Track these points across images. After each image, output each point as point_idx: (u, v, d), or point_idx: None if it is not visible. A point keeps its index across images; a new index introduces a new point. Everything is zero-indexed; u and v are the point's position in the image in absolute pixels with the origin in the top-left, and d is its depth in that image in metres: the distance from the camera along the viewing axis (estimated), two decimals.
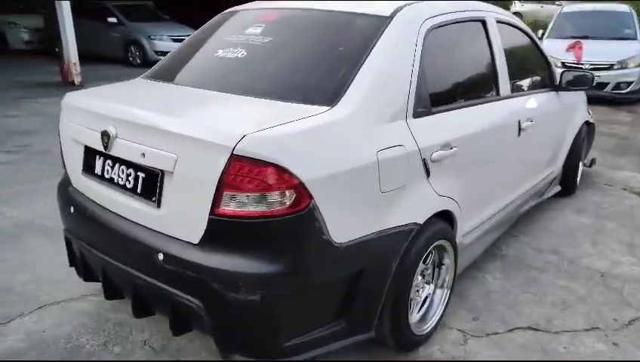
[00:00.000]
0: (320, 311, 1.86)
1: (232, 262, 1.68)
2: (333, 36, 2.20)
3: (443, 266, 2.43)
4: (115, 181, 1.96)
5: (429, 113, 2.19)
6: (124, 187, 1.93)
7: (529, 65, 3.45)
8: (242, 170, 1.60)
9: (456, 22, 2.50)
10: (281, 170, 1.60)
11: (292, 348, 1.81)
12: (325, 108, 1.85)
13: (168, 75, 2.41)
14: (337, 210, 1.76)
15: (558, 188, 3.98)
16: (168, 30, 12.18)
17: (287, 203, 1.63)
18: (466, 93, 2.58)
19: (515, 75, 3.05)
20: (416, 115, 2.12)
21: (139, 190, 1.87)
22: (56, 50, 9.64)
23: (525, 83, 3.31)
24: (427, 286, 2.40)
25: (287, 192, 1.62)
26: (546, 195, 3.81)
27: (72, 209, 2.19)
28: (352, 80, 1.94)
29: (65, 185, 2.31)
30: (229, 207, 1.63)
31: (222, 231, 1.67)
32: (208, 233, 1.69)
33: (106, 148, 1.92)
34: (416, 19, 2.23)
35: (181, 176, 1.72)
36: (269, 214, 1.62)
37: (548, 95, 3.45)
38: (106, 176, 2.00)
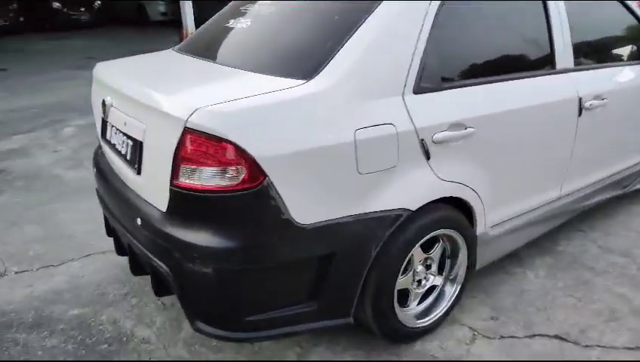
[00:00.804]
0: (288, 290, 1.83)
1: (191, 234, 1.70)
2: (330, 8, 2.06)
3: (457, 259, 2.23)
4: (115, 147, 2.09)
5: (437, 89, 1.98)
6: (119, 153, 2.05)
7: (615, 32, 2.93)
8: (194, 144, 1.60)
9: None
10: (231, 145, 1.57)
11: (256, 323, 1.81)
12: (300, 82, 1.75)
13: (188, 47, 2.47)
14: (300, 190, 1.69)
15: None
16: None
17: (239, 179, 1.60)
18: (497, 67, 2.26)
19: (587, 44, 2.63)
20: (419, 90, 1.92)
21: (128, 156, 1.98)
22: None
23: (605, 54, 2.83)
24: (433, 278, 2.22)
25: (238, 168, 1.59)
26: (632, 187, 3.26)
27: (96, 170, 2.40)
28: (337, 53, 1.81)
29: (98, 148, 2.53)
30: (185, 180, 1.65)
31: (182, 203, 1.71)
32: (172, 203, 1.73)
33: (105, 116, 2.04)
34: None
35: (149, 145, 1.78)
36: (221, 189, 1.61)
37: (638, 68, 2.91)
38: (111, 141, 2.15)
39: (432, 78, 1.97)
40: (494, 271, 2.65)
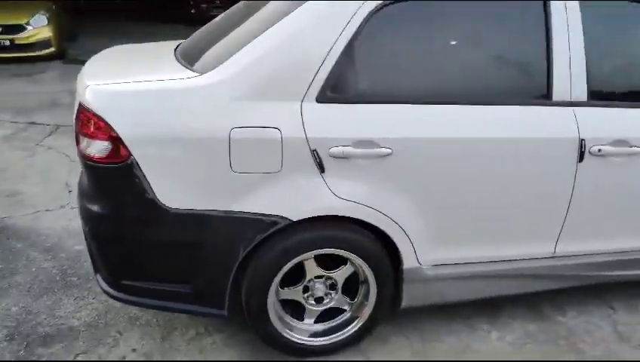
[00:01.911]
0: (159, 266, 1.94)
1: (86, 196, 1.96)
2: (265, 12, 2.05)
3: (364, 286, 2.06)
4: None
5: (347, 101, 1.85)
6: None
7: None
8: (82, 116, 1.83)
9: None
10: (102, 122, 1.76)
11: (132, 288, 1.98)
12: (194, 74, 1.84)
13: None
14: (168, 174, 1.79)
15: None
16: None
17: (107, 153, 1.78)
18: (447, 88, 1.97)
19: (619, 74, 2.11)
20: (323, 100, 1.83)
21: None
22: None
23: None
24: (337, 299, 2.09)
25: (106, 143, 1.77)
26: None
27: None
28: (237, 51, 1.84)
29: None
30: (80, 147, 1.90)
31: (83, 168, 1.96)
32: (82, 168, 2.00)
33: None
34: None
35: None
36: (96, 160, 1.81)
37: None
38: None
39: (344, 88, 1.85)
40: (455, 318, 2.34)
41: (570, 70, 2.00)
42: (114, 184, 1.83)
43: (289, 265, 1.93)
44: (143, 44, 2.75)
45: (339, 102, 1.85)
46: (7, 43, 8.11)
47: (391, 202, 1.94)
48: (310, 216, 1.87)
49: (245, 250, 1.87)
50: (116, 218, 1.87)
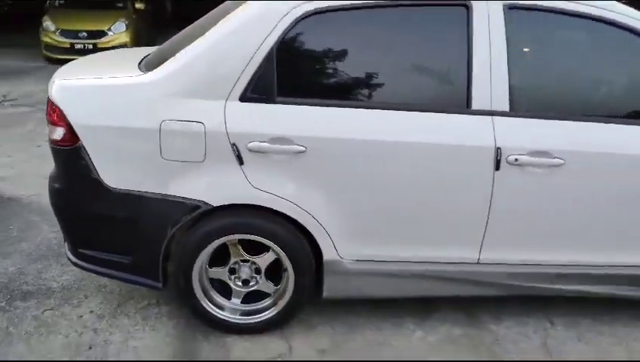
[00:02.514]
0: (105, 238, 2.23)
1: (52, 174, 2.30)
2: (216, 17, 2.28)
3: (286, 273, 2.23)
4: None
5: (267, 101, 2.05)
6: None
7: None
8: (49, 107, 2.17)
9: (370, 6, 2.05)
10: (59, 110, 2.09)
11: (86, 256, 2.30)
12: (141, 73, 2.13)
13: None
14: (109, 158, 2.09)
15: None
16: None
17: (62, 137, 2.11)
18: (363, 92, 2.14)
19: (548, 86, 2.15)
20: (245, 99, 2.04)
21: None
22: None
23: (588, 103, 2.19)
24: (261, 283, 2.28)
25: (61, 129, 2.10)
26: None
27: None
28: (178, 52, 2.10)
29: None
30: (48, 132, 2.24)
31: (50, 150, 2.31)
32: None
33: None
34: (286, 1, 2.04)
35: None
36: (56, 142, 2.14)
37: None
38: None
39: (265, 89, 2.05)
40: (386, 315, 2.44)
41: (490, 79, 2.06)
42: (68, 164, 2.16)
43: (210, 246, 2.16)
44: (131, 48, 3.11)
45: (259, 102, 2.06)
46: (91, 47, 9.22)
47: (307, 197, 2.11)
48: (228, 203, 2.09)
49: (172, 229, 2.12)
50: (70, 193, 2.20)
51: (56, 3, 10.38)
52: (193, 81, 2.06)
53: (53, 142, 2.16)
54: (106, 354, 2.19)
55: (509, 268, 2.27)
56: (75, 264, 2.35)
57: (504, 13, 2.07)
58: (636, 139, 2.13)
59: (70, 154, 2.12)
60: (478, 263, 2.26)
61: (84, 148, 2.08)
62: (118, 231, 2.21)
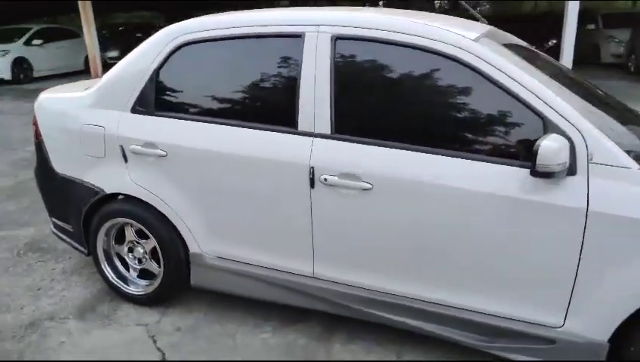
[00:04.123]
0: (61, 210, 2.98)
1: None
2: None
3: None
4: None
5: (148, 113, 2.54)
6: None
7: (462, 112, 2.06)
8: (35, 115, 3.02)
9: (233, 37, 2.37)
10: (35, 116, 2.92)
11: (54, 223, 3.08)
12: (84, 91, 2.83)
13: None
14: (56, 150, 2.84)
15: None
16: None
17: (34, 134, 2.93)
18: (218, 112, 2.42)
19: (379, 114, 2.19)
20: (134, 111, 2.58)
21: None
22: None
23: (428, 134, 2.09)
24: (149, 263, 2.74)
25: (34, 128, 2.92)
26: (501, 352, 2.07)
27: None
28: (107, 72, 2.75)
29: None
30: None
31: None
32: None
33: None
34: (170, 34, 2.51)
35: None
36: (35, 138, 2.98)
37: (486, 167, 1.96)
38: None
39: (147, 104, 2.56)
40: (251, 309, 2.66)
41: (314, 103, 2.21)
42: (37, 154, 2.98)
43: (106, 224, 2.74)
44: None
45: (143, 114, 2.57)
46: None
47: (171, 195, 2.53)
48: (116, 192, 2.64)
49: (85, 208, 2.75)
50: (40, 175, 3.02)
51: None
52: (105, 95, 2.68)
53: (35, 137, 3.01)
54: (47, 295, 2.92)
55: (338, 287, 2.32)
56: (51, 229, 3.17)
57: (331, 43, 2.20)
58: (448, 170, 2.01)
59: (37, 147, 2.94)
60: (313, 277, 2.36)
61: (44, 143, 2.87)
62: (64, 206, 2.94)
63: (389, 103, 2.19)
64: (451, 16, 2.75)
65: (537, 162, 1.75)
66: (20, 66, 12.43)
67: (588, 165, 1.84)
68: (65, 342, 2.51)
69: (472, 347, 2.15)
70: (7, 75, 12.11)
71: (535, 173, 1.78)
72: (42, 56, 13.05)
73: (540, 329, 2.01)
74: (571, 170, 1.85)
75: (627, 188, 1.81)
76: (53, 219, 3.09)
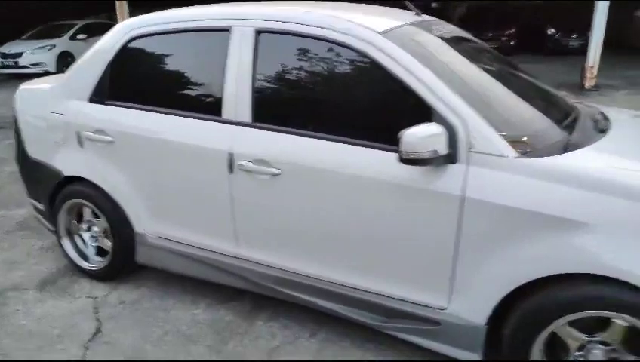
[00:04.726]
0: (35, 192, 3.26)
1: None
2: None
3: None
4: None
5: (101, 103, 2.77)
6: None
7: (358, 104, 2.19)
8: None
9: (173, 31, 2.57)
10: (13, 104, 3.22)
11: (32, 204, 3.37)
12: (56, 82, 3.09)
13: None
14: (30, 136, 3.12)
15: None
16: None
17: (13, 121, 3.23)
18: (160, 101, 2.60)
19: (289, 103, 2.33)
20: (91, 100, 2.81)
21: None
22: None
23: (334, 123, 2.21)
24: (105, 241, 2.97)
25: (14, 115, 3.22)
26: (396, 331, 2.15)
27: None
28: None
29: None
30: None
31: None
32: None
33: None
34: (122, 28, 2.73)
35: None
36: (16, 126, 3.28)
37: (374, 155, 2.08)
38: None
39: (101, 94, 2.79)
40: (196, 296, 2.83)
41: (236, 93, 2.36)
42: (15, 138, 3.27)
43: (67, 203, 2.99)
44: None
45: (97, 103, 2.80)
46: None
47: (117, 179, 2.76)
48: (73, 175, 2.88)
49: (51, 188, 3.01)
50: (18, 158, 3.31)
51: None
52: (69, 85, 2.93)
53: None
54: (19, 268, 3.20)
55: (258, 267, 2.46)
56: (32, 210, 3.46)
57: (254, 36, 2.35)
58: (346, 158, 2.11)
59: (15, 133, 3.23)
60: (237, 258, 2.52)
61: (20, 128, 3.16)
62: (36, 187, 3.22)
63: (298, 94, 2.32)
64: (384, 7, 2.83)
65: (400, 149, 1.84)
66: (65, 59, 13.12)
67: (468, 154, 1.92)
68: (19, 310, 2.77)
69: (371, 326, 2.25)
70: (52, 68, 12.83)
71: (401, 160, 1.87)
72: (85, 50, 13.71)
73: (427, 310, 2.09)
74: (452, 158, 1.93)
75: (503, 176, 1.87)
76: (31, 200, 3.38)
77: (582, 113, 2.47)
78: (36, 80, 3.43)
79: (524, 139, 1.95)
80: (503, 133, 1.93)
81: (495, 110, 2.06)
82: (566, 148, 1.98)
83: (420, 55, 2.11)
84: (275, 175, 2.26)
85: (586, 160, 1.88)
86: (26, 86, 3.29)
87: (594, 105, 2.75)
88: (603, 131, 2.25)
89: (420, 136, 1.81)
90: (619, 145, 2.13)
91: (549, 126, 2.14)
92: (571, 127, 2.22)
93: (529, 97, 2.41)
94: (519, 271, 1.86)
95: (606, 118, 2.45)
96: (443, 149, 1.87)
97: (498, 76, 2.44)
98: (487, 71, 2.40)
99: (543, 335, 1.87)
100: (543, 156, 1.88)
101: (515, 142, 1.92)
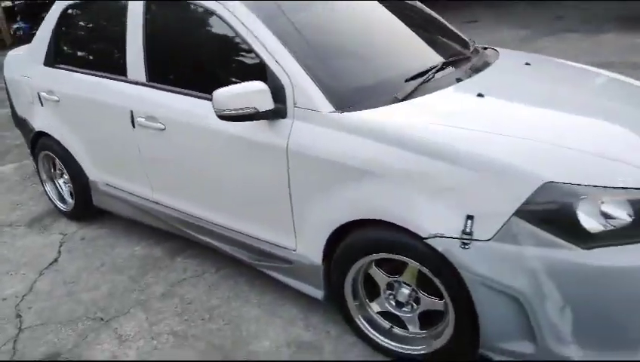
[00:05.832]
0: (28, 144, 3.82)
1: None
2: None
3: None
4: None
5: (52, 66, 3.18)
6: None
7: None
8: None
9: (92, 1, 2.84)
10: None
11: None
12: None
13: None
14: (14, 96, 3.65)
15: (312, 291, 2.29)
16: None
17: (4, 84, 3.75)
18: (88, 63, 2.96)
19: (170, 63, 2.56)
20: (46, 64, 3.24)
21: None
22: None
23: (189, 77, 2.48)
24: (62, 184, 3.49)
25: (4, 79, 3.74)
26: (264, 268, 2.40)
27: None
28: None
29: None
30: None
31: None
32: None
33: None
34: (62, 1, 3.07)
35: None
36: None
37: None
38: None
39: (51, 58, 3.19)
40: (144, 236, 3.25)
41: (135, 55, 2.64)
42: (8, 99, 3.80)
43: (41, 155, 3.52)
44: None
45: (49, 66, 3.22)
46: None
47: (67, 133, 3.20)
48: (39, 130, 3.36)
49: (30, 140, 3.54)
50: (12, 115, 3.87)
51: None
52: (33, 51, 3.37)
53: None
54: (20, 208, 3.82)
55: (167, 210, 2.79)
56: None
57: (144, 4, 2.56)
58: (207, 112, 2.23)
59: (7, 94, 3.76)
60: (155, 202, 2.86)
61: (9, 92, 3.69)
62: (27, 140, 3.77)
63: (177, 55, 2.55)
64: None
65: (213, 106, 2.01)
66: None
67: (294, 109, 2.04)
68: (6, 242, 3.38)
69: (251, 265, 2.51)
70: None
71: (218, 117, 2.04)
72: None
73: (283, 251, 2.31)
74: (283, 114, 2.06)
75: (317, 130, 1.98)
76: (28, 151, 3.96)
77: (465, 58, 2.44)
78: (21, 47, 3.92)
79: (345, 93, 2.03)
80: (331, 88, 2.03)
81: (330, 65, 2.14)
82: (396, 100, 2.02)
83: (266, 15, 2.21)
84: (161, 130, 2.53)
85: (394, 114, 1.94)
86: (13, 52, 3.78)
87: (496, 50, 2.67)
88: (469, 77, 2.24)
89: (229, 94, 1.97)
90: (460, 94, 2.13)
91: (390, 77, 2.17)
92: (426, 74, 2.19)
93: (395, 45, 2.43)
94: (334, 216, 2.01)
95: (486, 64, 2.40)
96: (266, 105, 2.01)
97: (367, 25, 2.48)
98: (347, 20, 2.45)
99: (353, 272, 2.05)
100: (360, 110, 1.96)
101: (337, 97, 2.01)
